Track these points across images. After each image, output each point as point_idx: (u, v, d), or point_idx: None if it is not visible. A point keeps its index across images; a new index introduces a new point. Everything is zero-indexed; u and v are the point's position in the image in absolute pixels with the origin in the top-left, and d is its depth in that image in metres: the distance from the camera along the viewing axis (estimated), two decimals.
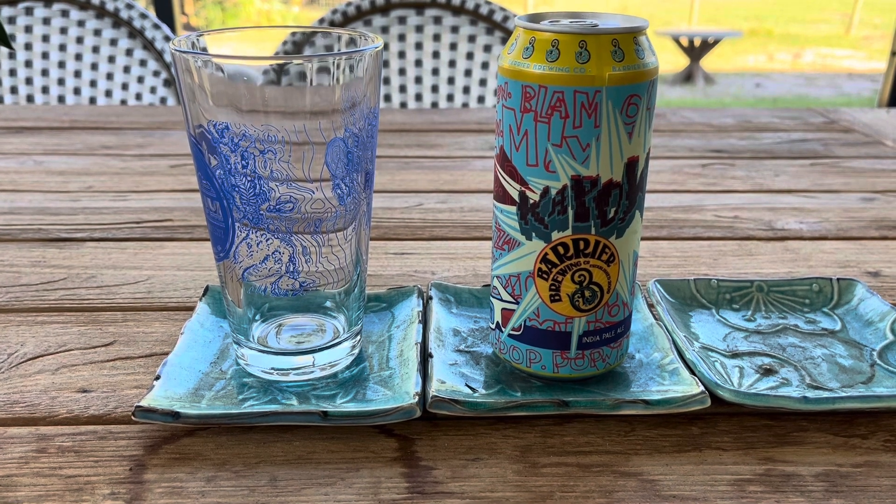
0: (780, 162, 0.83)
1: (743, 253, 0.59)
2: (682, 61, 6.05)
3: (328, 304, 0.41)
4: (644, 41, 0.35)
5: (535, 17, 0.36)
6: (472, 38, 1.26)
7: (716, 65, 6.55)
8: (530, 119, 0.34)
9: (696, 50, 5.93)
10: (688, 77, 5.91)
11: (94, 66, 1.27)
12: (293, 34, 1.16)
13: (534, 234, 0.36)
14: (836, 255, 0.59)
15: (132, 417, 0.36)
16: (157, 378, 0.38)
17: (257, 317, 0.40)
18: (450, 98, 1.29)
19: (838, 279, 0.48)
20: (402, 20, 1.25)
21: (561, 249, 0.36)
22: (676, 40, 6.01)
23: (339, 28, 0.40)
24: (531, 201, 0.36)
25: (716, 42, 5.98)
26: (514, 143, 0.35)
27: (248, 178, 0.36)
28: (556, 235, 0.36)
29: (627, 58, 0.34)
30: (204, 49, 0.38)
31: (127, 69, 1.27)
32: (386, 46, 1.26)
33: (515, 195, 0.36)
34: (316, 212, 0.37)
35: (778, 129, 0.96)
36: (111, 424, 0.37)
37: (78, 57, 1.27)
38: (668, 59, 6.18)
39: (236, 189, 0.36)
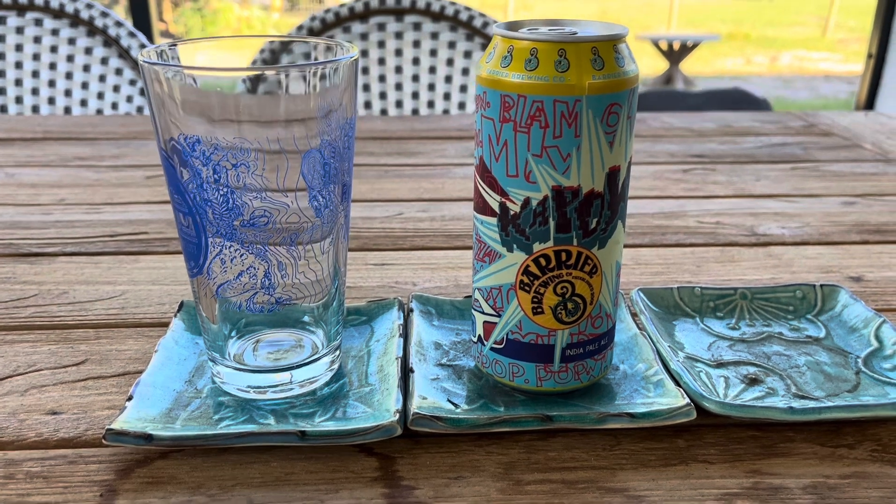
0: (761, 166, 0.83)
1: (725, 259, 0.58)
2: (662, 65, 6.09)
3: (306, 318, 0.40)
4: (624, 49, 0.34)
5: (513, 25, 0.35)
6: (451, 45, 1.26)
7: (695, 68, 6.59)
8: (510, 129, 0.34)
9: (676, 53, 5.97)
10: (667, 80, 5.95)
11: (69, 76, 1.25)
12: (270, 42, 1.14)
13: (515, 246, 0.36)
14: (818, 260, 0.58)
15: (103, 441, 0.34)
16: (130, 398, 0.37)
17: (233, 333, 0.39)
18: (430, 104, 1.28)
19: (821, 285, 0.48)
20: (381, 27, 1.25)
21: (543, 261, 0.35)
22: (656, 44, 6.05)
23: (317, 37, 0.40)
24: (512, 212, 0.35)
25: (694, 46, 6.02)
26: (494, 154, 0.35)
27: (221, 192, 0.35)
28: (537, 247, 0.35)
29: (607, 66, 0.33)
30: (177, 60, 0.37)
31: (102, 78, 1.25)
32: (365, 53, 1.25)
33: (496, 206, 0.36)
34: (292, 224, 0.36)
35: (758, 133, 0.96)
36: (82, 448, 0.36)
37: (52, 66, 1.25)
38: (647, 63, 6.22)
39: (209, 203, 0.35)
